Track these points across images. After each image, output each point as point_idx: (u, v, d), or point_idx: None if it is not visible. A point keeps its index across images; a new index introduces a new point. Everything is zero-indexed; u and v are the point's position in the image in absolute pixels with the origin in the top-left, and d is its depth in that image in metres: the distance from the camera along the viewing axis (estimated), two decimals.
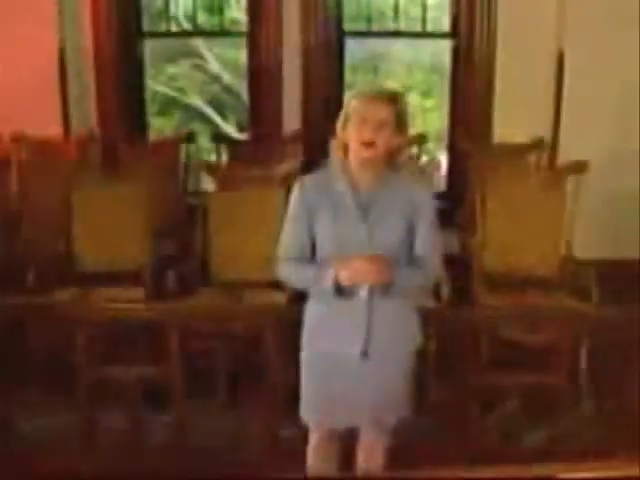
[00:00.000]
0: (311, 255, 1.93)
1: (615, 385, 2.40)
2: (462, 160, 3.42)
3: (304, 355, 1.98)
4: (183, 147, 3.48)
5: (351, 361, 1.90)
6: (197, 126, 5.59)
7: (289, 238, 1.94)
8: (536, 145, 3.45)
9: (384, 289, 1.86)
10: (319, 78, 3.58)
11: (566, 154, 3.43)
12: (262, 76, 3.61)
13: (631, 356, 2.31)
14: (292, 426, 2.23)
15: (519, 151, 3.38)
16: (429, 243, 1.92)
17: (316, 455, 2.07)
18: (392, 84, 6.33)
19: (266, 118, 3.62)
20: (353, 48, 5.46)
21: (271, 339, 2.32)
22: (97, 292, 2.84)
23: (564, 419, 2.37)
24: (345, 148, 1.89)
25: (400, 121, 1.85)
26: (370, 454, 2.03)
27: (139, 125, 3.79)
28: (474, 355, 2.46)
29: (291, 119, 3.62)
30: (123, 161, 3.30)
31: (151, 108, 5.61)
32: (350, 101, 1.87)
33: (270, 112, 3.61)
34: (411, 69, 6.08)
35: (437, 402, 2.50)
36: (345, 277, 1.83)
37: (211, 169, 2.97)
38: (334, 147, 1.91)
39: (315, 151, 3.50)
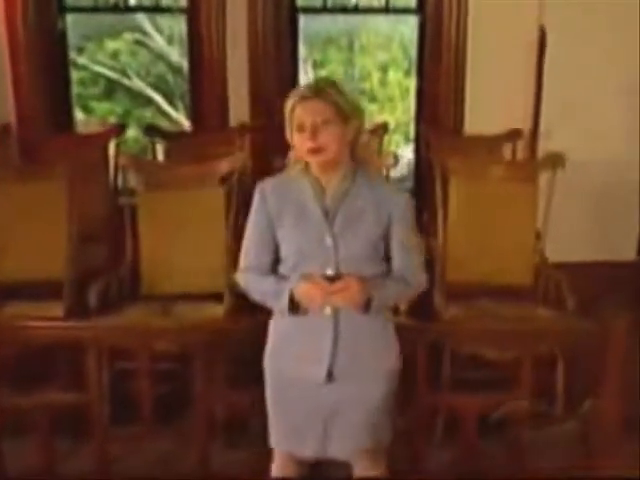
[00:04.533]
0: (275, 266, 2.02)
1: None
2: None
3: (266, 377, 2.08)
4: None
5: (316, 384, 1.98)
6: (143, 112, 5.67)
7: (249, 247, 2.04)
8: (512, 137, 3.56)
9: (359, 310, 1.94)
10: (269, 59, 3.66)
11: (547, 147, 3.50)
12: (204, 58, 3.68)
13: (611, 371, 2.44)
14: (226, 454, 2.35)
15: (492, 144, 3.49)
16: (407, 251, 1.99)
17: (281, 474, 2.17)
18: (368, 61, 6.46)
19: (209, 106, 3.70)
20: (326, 23, 5.56)
21: (203, 358, 2.42)
22: (10, 307, 2.90)
23: (539, 442, 2.50)
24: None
25: (341, 110, 1.90)
26: None
27: (64, 114, 3.83)
28: (435, 373, 2.59)
29: (238, 107, 3.69)
30: (43, 157, 3.37)
31: (92, 91, 5.70)
32: (286, 112, 1.93)
33: (214, 100, 3.69)
34: (389, 44, 6.20)
35: (395, 425, 2.62)
36: (303, 299, 1.93)
37: (139, 166, 3.06)
38: (293, 158, 2.00)
39: (265, 144, 3.59)
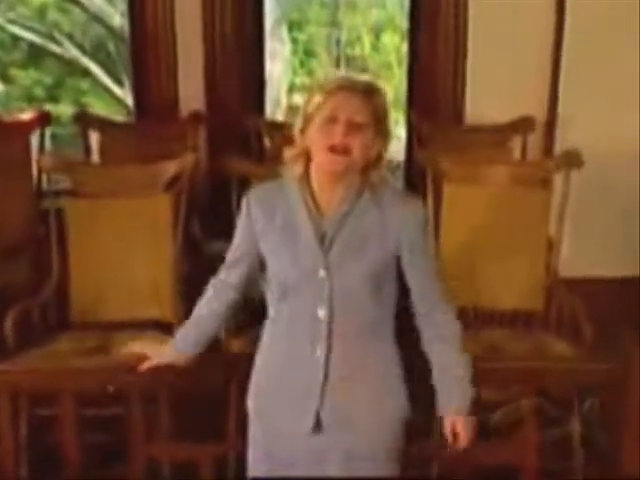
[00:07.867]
0: (248, 289, 2.11)
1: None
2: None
3: (250, 418, 2.12)
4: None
5: (302, 434, 2.01)
6: (79, 83, 5.66)
7: (226, 261, 2.12)
8: (522, 127, 3.59)
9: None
10: (228, 27, 3.68)
11: (565, 140, 3.62)
12: (147, 20, 3.67)
13: (631, 413, 2.52)
14: None
15: (498, 136, 3.52)
16: (431, 287, 2.03)
17: None
18: (357, 20, 6.44)
19: (155, 80, 3.72)
20: None
21: (145, 402, 2.46)
22: None
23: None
24: (306, 158, 1.97)
25: (379, 120, 1.92)
26: None
27: None
28: (422, 421, 2.65)
29: (190, 83, 3.74)
30: None
31: (14, 56, 5.64)
32: (313, 96, 1.93)
33: (160, 72, 3.71)
34: (384, 2, 6.21)
35: None
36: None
37: (67, 168, 3.04)
38: (289, 157, 2.00)
39: (225, 136, 3.64)
